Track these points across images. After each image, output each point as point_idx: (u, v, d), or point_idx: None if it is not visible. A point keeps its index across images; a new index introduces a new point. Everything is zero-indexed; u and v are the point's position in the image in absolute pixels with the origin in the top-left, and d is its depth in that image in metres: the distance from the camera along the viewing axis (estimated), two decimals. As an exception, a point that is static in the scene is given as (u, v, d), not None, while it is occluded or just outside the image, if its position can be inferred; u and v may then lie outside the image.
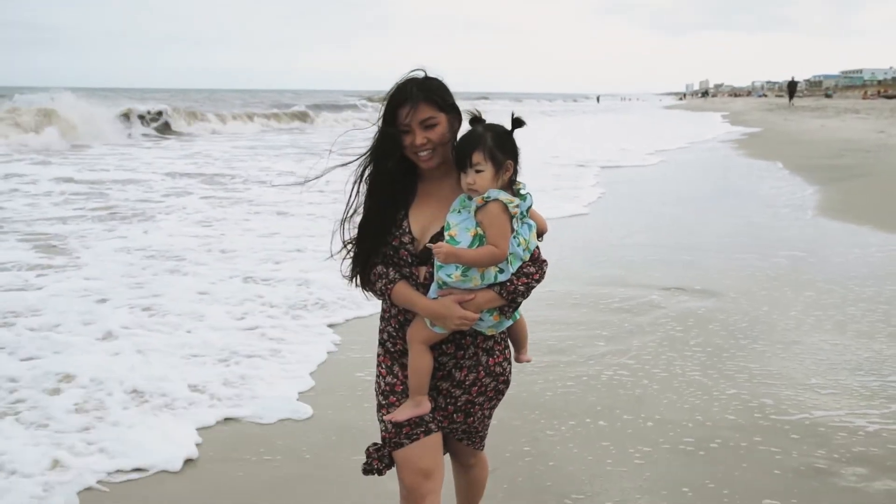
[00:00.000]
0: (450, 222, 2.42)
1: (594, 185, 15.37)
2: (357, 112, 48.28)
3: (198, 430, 4.39)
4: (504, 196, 2.40)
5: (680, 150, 24.37)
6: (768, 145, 24.63)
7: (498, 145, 2.40)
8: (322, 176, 2.69)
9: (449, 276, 2.40)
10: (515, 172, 2.47)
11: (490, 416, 2.75)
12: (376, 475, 2.65)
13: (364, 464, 2.65)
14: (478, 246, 2.37)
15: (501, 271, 2.42)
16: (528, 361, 2.80)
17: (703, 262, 8.53)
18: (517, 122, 2.46)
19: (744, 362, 5.40)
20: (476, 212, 2.40)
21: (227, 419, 4.58)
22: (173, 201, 12.98)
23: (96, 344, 5.76)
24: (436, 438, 2.58)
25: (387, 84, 2.48)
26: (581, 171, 17.99)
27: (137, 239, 9.70)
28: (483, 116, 2.48)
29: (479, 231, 2.38)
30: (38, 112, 25.70)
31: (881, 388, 4.93)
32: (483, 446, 2.83)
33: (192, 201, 12.99)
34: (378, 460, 2.62)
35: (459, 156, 2.42)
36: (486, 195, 2.39)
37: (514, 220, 2.42)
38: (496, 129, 2.44)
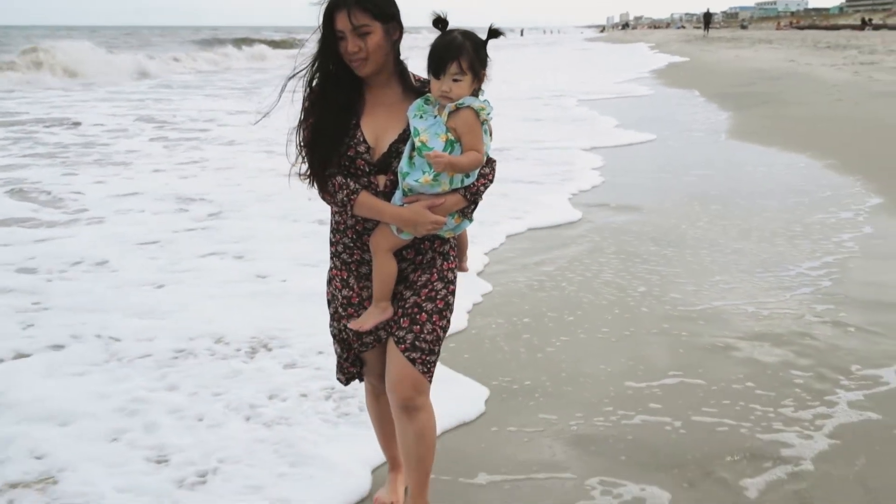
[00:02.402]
0: (417, 128, 2.41)
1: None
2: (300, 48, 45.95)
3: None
4: (476, 103, 2.42)
5: (644, 79, 24.69)
6: (686, 75, 25.33)
7: (477, 56, 2.41)
8: (279, 100, 2.52)
9: (417, 181, 2.40)
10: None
11: (436, 338, 2.61)
12: (358, 381, 2.86)
13: (344, 375, 2.82)
14: (450, 151, 2.40)
15: (468, 175, 2.46)
16: (466, 271, 2.91)
17: (624, 182, 9.00)
18: (494, 33, 2.46)
19: (654, 266, 5.83)
20: (448, 117, 2.41)
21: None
22: (125, 144, 11.94)
23: (236, 297, 5.19)
24: (384, 344, 2.72)
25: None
26: (587, 112, 17.17)
27: (124, 185, 8.78)
28: (447, 19, 2.44)
29: (450, 136, 2.40)
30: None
31: (778, 281, 5.43)
32: (431, 376, 2.62)
33: (148, 144, 11.90)
34: (352, 365, 2.79)
35: (436, 62, 2.40)
36: (459, 102, 2.41)
37: (484, 125, 2.50)
38: (474, 39, 2.43)
